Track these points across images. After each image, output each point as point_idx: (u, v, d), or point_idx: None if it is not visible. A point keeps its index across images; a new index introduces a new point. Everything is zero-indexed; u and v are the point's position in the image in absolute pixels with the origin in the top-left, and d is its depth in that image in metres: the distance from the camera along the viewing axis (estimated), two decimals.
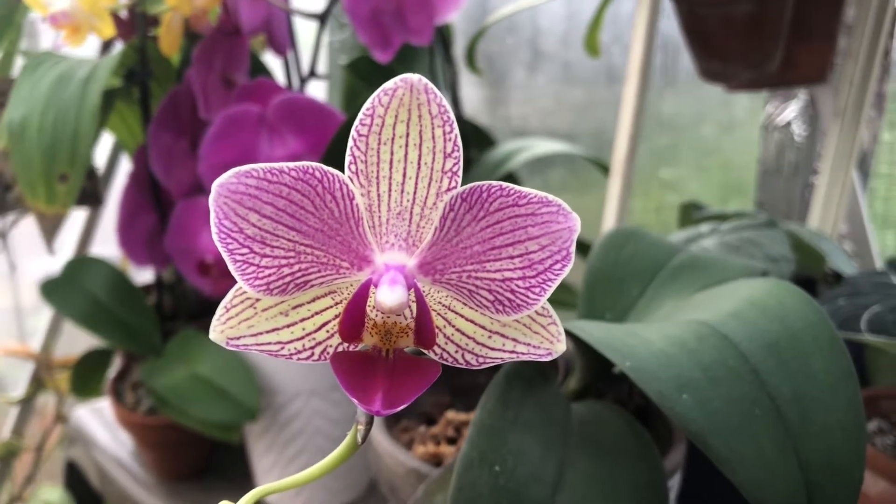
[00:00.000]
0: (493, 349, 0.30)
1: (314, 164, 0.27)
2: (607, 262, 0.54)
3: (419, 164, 0.28)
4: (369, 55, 0.72)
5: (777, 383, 0.36)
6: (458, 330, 0.30)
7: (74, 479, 1.00)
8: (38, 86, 0.64)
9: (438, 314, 0.30)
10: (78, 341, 0.96)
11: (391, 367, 0.28)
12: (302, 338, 0.30)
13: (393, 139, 0.27)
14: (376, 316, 0.28)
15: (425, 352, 0.30)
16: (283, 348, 0.30)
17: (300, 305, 0.30)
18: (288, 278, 0.28)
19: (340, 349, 0.30)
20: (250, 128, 0.70)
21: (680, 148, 1.19)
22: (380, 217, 0.28)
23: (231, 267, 0.27)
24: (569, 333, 0.40)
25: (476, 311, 0.30)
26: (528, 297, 0.28)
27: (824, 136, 0.90)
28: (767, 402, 0.36)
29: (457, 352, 0.31)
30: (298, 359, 0.30)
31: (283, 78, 0.80)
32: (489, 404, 0.40)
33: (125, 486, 0.86)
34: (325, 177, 0.27)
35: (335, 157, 0.54)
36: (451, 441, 0.52)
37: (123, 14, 0.75)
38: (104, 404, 0.98)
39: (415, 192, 0.28)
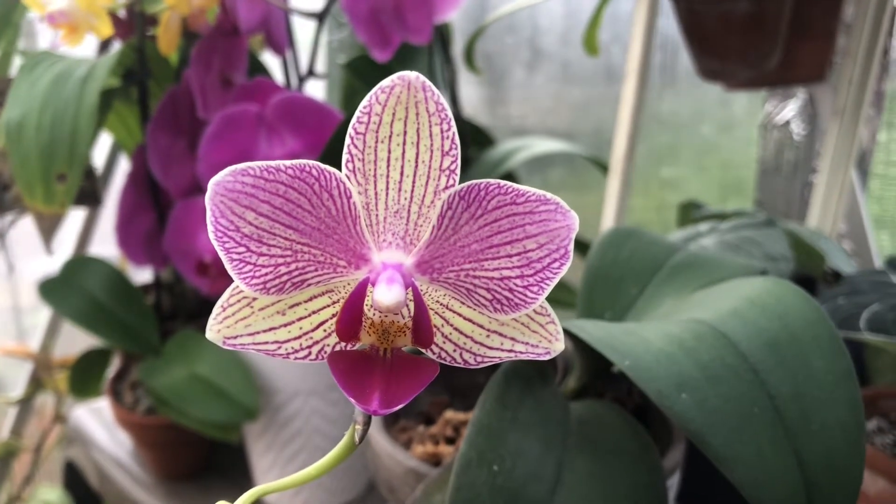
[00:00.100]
0: (491, 348, 0.30)
1: (311, 161, 0.26)
2: (606, 260, 0.54)
3: (417, 162, 0.27)
4: (368, 54, 0.71)
5: (776, 382, 0.36)
6: (456, 329, 0.30)
7: (73, 479, 1.00)
8: (36, 85, 0.64)
9: (436, 313, 0.30)
10: (76, 341, 0.96)
11: (389, 367, 0.28)
12: (299, 337, 0.30)
13: (390, 137, 0.27)
14: (374, 315, 0.28)
15: (423, 351, 0.30)
16: (280, 347, 0.30)
17: (297, 304, 0.30)
18: (285, 277, 0.28)
19: (338, 348, 0.30)
20: (249, 127, 0.70)
21: (679, 147, 1.19)
22: (377, 215, 0.28)
23: (227, 266, 0.27)
24: (567, 332, 0.40)
25: (474, 309, 0.30)
26: (526, 295, 0.28)
27: (823, 134, 0.90)
28: (766, 401, 0.35)
29: (455, 351, 0.30)
30: (296, 358, 0.30)
31: (281, 77, 0.80)
32: (488, 404, 0.39)
33: (124, 486, 0.86)
34: (322, 175, 0.27)
35: (334, 155, 0.53)
36: (450, 441, 0.52)
37: (121, 13, 0.75)
38: (103, 404, 0.98)
39: (412, 191, 0.28)
